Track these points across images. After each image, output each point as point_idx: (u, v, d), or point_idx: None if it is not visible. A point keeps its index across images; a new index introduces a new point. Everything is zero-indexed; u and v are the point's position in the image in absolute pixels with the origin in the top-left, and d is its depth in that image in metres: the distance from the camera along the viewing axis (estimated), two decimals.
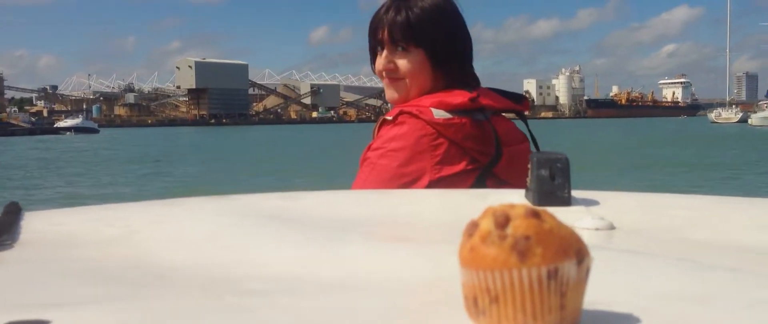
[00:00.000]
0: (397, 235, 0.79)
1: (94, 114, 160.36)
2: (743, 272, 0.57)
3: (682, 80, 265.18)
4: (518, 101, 1.78)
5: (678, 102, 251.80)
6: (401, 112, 1.62)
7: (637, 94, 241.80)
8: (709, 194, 1.02)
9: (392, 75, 1.74)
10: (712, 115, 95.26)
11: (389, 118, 1.64)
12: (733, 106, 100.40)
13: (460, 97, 1.62)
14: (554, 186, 0.84)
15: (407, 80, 1.72)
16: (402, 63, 1.72)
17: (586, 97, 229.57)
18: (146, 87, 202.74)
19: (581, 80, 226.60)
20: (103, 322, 0.47)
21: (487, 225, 0.41)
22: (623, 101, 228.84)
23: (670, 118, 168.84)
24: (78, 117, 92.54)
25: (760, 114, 69.91)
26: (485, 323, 0.42)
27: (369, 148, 1.63)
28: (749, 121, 71.91)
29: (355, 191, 1.37)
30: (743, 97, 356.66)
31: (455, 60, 1.73)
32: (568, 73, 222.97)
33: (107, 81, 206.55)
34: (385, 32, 1.72)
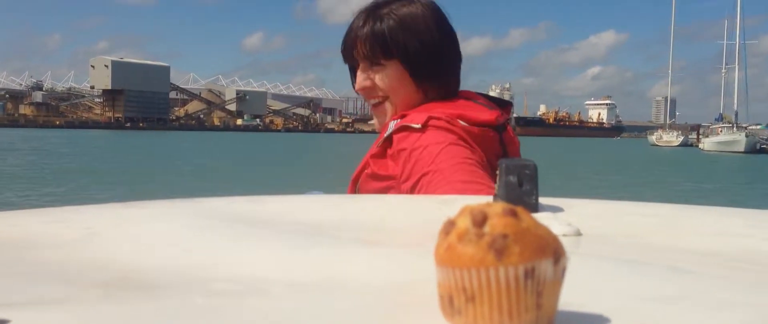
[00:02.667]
0: (366, 238, 0.79)
1: None
2: (708, 275, 0.59)
3: (608, 102, 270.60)
4: (505, 107, 1.71)
5: (603, 123, 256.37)
6: (431, 118, 1.52)
7: (564, 114, 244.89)
8: (670, 202, 1.03)
9: (371, 93, 1.66)
10: (653, 138, 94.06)
11: (416, 125, 1.51)
12: (675, 130, 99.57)
13: (486, 114, 1.58)
14: (522, 192, 0.85)
15: (390, 98, 1.65)
16: (379, 78, 1.63)
17: (515, 115, 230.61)
18: (61, 86, 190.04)
19: (511, 97, 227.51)
20: (65, 322, 0.46)
21: (464, 223, 0.41)
22: (551, 120, 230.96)
23: (604, 140, 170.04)
24: None
25: (714, 138, 67.67)
26: (461, 323, 0.42)
27: (413, 159, 1.46)
28: (701, 145, 69.65)
29: (322, 196, 1.27)
30: (662, 120, 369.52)
31: (437, 71, 1.63)
32: (498, 90, 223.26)
33: (19, 78, 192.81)
34: (359, 47, 1.63)
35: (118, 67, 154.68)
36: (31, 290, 0.55)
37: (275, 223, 0.86)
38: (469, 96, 1.68)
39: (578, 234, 0.76)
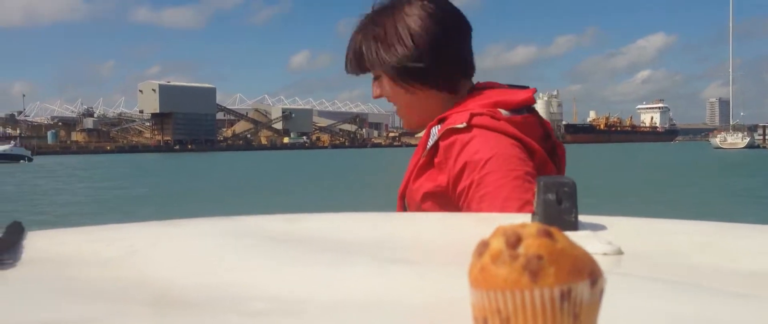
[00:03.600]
0: (401, 257, 0.79)
1: (49, 140, 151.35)
2: (752, 297, 0.57)
3: (660, 105, 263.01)
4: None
5: (656, 127, 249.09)
6: (473, 115, 1.48)
7: (615, 119, 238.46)
8: (714, 220, 1.01)
9: (388, 100, 1.67)
10: (717, 140, 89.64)
11: (460, 125, 1.47)
12: (739, 131, 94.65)
13: (520, 94, 1.56)
14: (561, 210, 0.84)
15: (399, 107, 1.66)
16: (383, 89, 1.65)
17: (564, 122, 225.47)
18: (113, 112, 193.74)
19: (559, 105, 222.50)
20: None
21: (498, 244, 0.40)
22: (602, 126, 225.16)
23: (660, 144, 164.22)
24: (9, 143, 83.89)
25: None
26: None
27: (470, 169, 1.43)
28: None
29: (359, 214, 1.26)
30: (716, 122, 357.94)
31: (426, 76, 1.58)
32: (546, 98, 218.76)
33: (72, 106, 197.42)
34: (348, 64, 1.68)
35: (165, 91, 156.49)
36: (72, 308, 0.57)
37: (312, 242, 0.87)
38: (492, 85, 1.65)
39: (619, 253, 0.75)
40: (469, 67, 1.65)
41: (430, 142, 1.53)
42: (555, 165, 1.57)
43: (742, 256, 0.78)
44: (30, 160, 68.53)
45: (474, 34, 1.66)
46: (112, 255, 0.79)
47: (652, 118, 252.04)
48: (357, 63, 1.63)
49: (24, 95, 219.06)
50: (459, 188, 1.44)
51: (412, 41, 1.56)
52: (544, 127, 1.60)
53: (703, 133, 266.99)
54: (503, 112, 1.52)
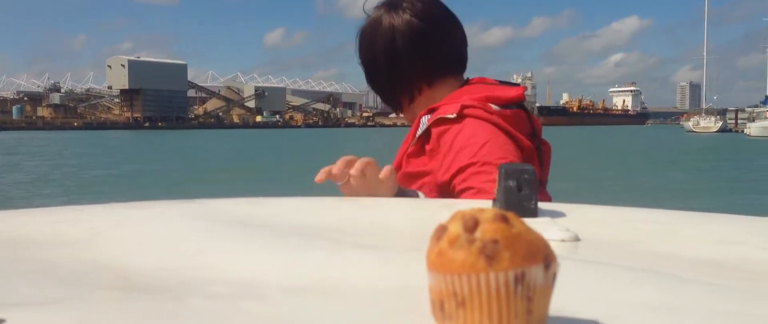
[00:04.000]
0: (363, 242, 0.79)
1: (15, 115, 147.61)
2: (706, 284, 0.59)
3: (632, 89, 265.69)
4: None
5: (628, 110, 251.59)
6: (464, 107, 1.50)
7: (588, 102, 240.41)
8: (670, 209, 1.03)
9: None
10: (690, 124, 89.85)
11: (450, 115, 1.49)
12: (711, 115, 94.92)
13: (512, 91, 1.59)
14: (521, 196, 0.85)
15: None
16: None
17: (538, 104, 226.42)
18: (81, 87, 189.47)
19: (533, 87, 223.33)
20: (61, 322, 0.47)
21: (455, 228, 0.41)
22: (575, 109, 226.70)
23: (632, 127, 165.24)
24: None
25: (760, 123, 63.41)
26: None
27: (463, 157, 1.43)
28: (747, 130, 65.44)
29: (321, 198, 1.28)
30: (687, 106, 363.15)
31: (396, 77, 1.64)
32: (519, 80, 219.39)
33: (40, 81, 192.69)
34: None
35: (134, 67, 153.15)
36: (30, 290, 0.56)
37: (274, 226, 0.87)
38: (484, 81, 1.67)
39: (576, 239, 0.76)
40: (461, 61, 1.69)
41: (421, 130, 1.55)
42: (540, 162, 1.57)
43: (699, 243, 0.80)
44: None
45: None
46: (74, 237, 0.79)
47: (624, 102, 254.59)
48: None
49: (3, 74, 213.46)
50: (445, 166, 1.45)
51: (402, 41, 1.62)
52: (532, 124, 1.61)
53: (673, 117, 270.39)
54: (494, 106, 1.53)
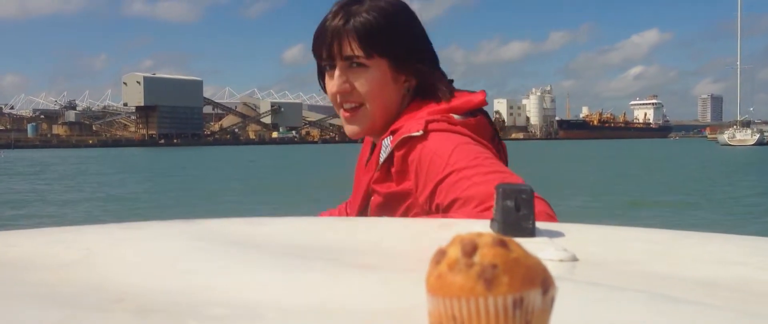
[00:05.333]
0: (361, 262, 0.79)
1: (30, 133, 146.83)
2: (704, 305, 0.59)
3: (654, 101, 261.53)
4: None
5: (650, 123, 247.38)
6: (428, 122, 1.42)
7: (608, 115, 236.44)
8: (669, 229, 1.03)
9: (348, 98, 1.52)
10: (725, 137, 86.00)
11: (416, 133, 1.41)
12: (748, 127, 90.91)
13: (475, 97, 1.52)
14: (519, 217, 0.86)
15: (367, 105, 1.51)
16: (360, 83, 1.49)
17: (557, 118, 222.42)
18: (98, 105, 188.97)
19: (552, 100, 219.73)
20: None
21: (454, 253, 0.42)
22: (595, 122, 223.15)
23: (656, 140, 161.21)
24: None
25: None
26: None
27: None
28: None
29: (320, 219, 1.30)
30: (708, 118, 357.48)
31: (424, 63, 1.53)
32: (539, 93, 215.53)
33: (58, 99, 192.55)
34: (336, 46, 1.48)
35: (150, 83, 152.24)
36: (25, 312, 0.56)
37: (272, 246, 0.87)
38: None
39: (574, 259, 0.75)
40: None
41: (384, 154, 1.47)
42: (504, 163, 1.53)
43: (697, 264, 0.80)
44: None
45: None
46: (68, 258, 0.78)
47: (645, 114, 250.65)
48: (364, 43, 1.46)
49: (23, 93, 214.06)
50: (429, 189, 1.38)
51: (420, 30, 1.55)
52: (493, 126, 1.57)
53: (695, 130, 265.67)
54: (456, 117, 1.47)
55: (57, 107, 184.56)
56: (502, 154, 1.55)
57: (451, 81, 1.58)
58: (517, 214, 0.85)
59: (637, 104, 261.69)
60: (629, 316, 0.53)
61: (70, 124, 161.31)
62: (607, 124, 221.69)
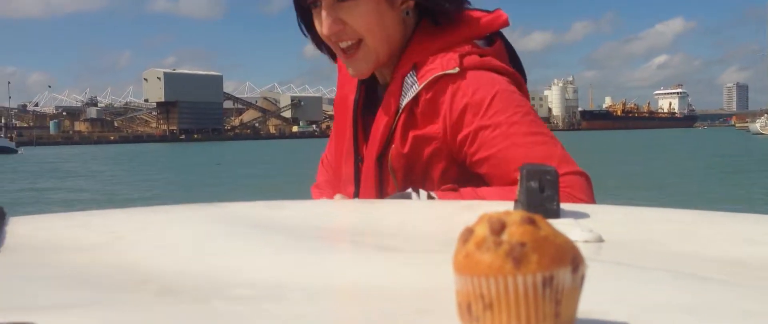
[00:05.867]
0: (386, 244, 0.79)
1: (52, 130, 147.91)
2: (732, 284, 0.58)
3: (679, 90, 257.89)
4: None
5: (675, 113, 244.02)
6: (464, 56, 1.29)
7: (632, 105, 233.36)
8: (695, 209, 1.01)
9: (342, 37, 1.33)
10: (757, 126, 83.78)
11: (452, 71, 1.28)
12: None
13: (496, 21, 1.38)
14: (543, 198, 0.85)
15: (367, 40, 1.33)
16: (352, 18, 1.32)
17: (580, 109, 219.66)
18: (120, 101, 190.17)
19: (575, 91, 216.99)
20: None
21: (482, 231, 0.41)
22: (619, 112, 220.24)
23: (682, 130, 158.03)
24: None
25: None
26: None
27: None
28: None
29: (344, 201, 1.27)
30: (734, 107, 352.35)
31: None
32: (561, 84, 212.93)
33: (81, 96, 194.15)
34: None
35: (170, 79, 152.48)
36: (54, 294, 0.56)
37: (296, 228, 0.86)
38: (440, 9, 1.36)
39: (600, 240, 0.75)
40: None
41: (407, 95, 1.32)
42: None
43: (724, 243, 0.79)
44: (14, 152, 64.27)
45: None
46: (95, 241, 0.79)
47: (670, 104, 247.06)
48: None
49: (49, 87, 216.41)
50: (461, 136, 1.29)
51: None
52: (510, 48, 1.46)
53: (721, 119, 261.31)
54: (479, 43, 1.37)
55: (79, 104, 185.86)
56: (524, 76, 1.41)
57: None
58: (542, 195, 0.84)
59: (662, 93, 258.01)
60: (658, 296, 0.53)
61: (91, 121, 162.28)
62: (631, 114, 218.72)
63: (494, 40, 1.40)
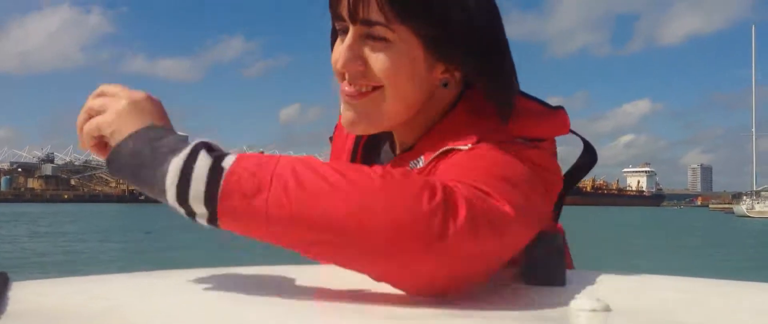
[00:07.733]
0: (396, 314, 0.76)
1: (3, 187, 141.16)
2: None
3: (647, 169, 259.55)
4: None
5: (643, 191, 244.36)
6: (481, 140, 1.00)
7: (601, 182, 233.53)
8: (701, 277, 0.99)
9: (357, 79, 1.06)
10: (743, 208, 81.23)
11: (463, 146, 1.00)
12: (766, 198, 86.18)
13: (561, 120, 1.12)
14: (549, 266, 0.83)
15: (385, 89, 1.06)
16: (377, 59, 1.04)
17: None
18: (81, 159, 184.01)
19: None
20: None
21: None
22: (589, 188, 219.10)
23: (650, 209, 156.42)
24: None
25: None
26: None
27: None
28: None
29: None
30: (698, 188, 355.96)
31: (481, 52, 1.06)
32: None
33: (40, 152, 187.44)
34: (351, 6, 1.02)
35: None
36: None
37: (305, 293, 0.85)
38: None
39: (607, 310, 0.73)
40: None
41: (419, 165, 1.09)
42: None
43: (734, 313, 0.78)
44: None
45: None
46: (96, 308, 0.77)
47: (638, 182, 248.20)
48: (393, 5, 0.99)
49: (6, 146, 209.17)
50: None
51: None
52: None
53: (687, 199, 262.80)
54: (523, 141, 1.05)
55: (36, 161, 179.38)
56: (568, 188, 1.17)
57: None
58: (548, 263, 0.82)
59: (630, 171, 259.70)
60: None
61: (45, 178, 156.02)
62: (600, 191, 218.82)
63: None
